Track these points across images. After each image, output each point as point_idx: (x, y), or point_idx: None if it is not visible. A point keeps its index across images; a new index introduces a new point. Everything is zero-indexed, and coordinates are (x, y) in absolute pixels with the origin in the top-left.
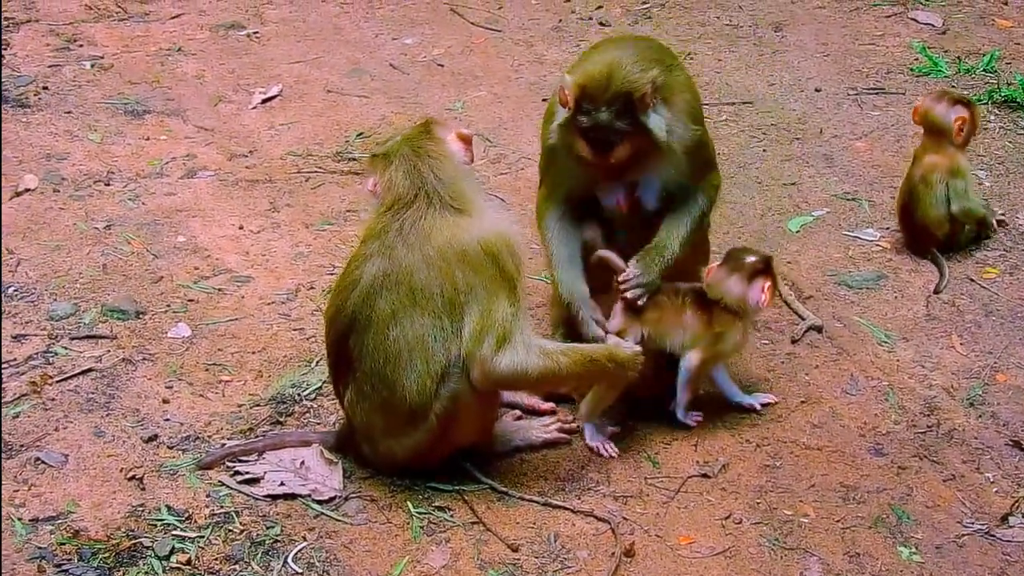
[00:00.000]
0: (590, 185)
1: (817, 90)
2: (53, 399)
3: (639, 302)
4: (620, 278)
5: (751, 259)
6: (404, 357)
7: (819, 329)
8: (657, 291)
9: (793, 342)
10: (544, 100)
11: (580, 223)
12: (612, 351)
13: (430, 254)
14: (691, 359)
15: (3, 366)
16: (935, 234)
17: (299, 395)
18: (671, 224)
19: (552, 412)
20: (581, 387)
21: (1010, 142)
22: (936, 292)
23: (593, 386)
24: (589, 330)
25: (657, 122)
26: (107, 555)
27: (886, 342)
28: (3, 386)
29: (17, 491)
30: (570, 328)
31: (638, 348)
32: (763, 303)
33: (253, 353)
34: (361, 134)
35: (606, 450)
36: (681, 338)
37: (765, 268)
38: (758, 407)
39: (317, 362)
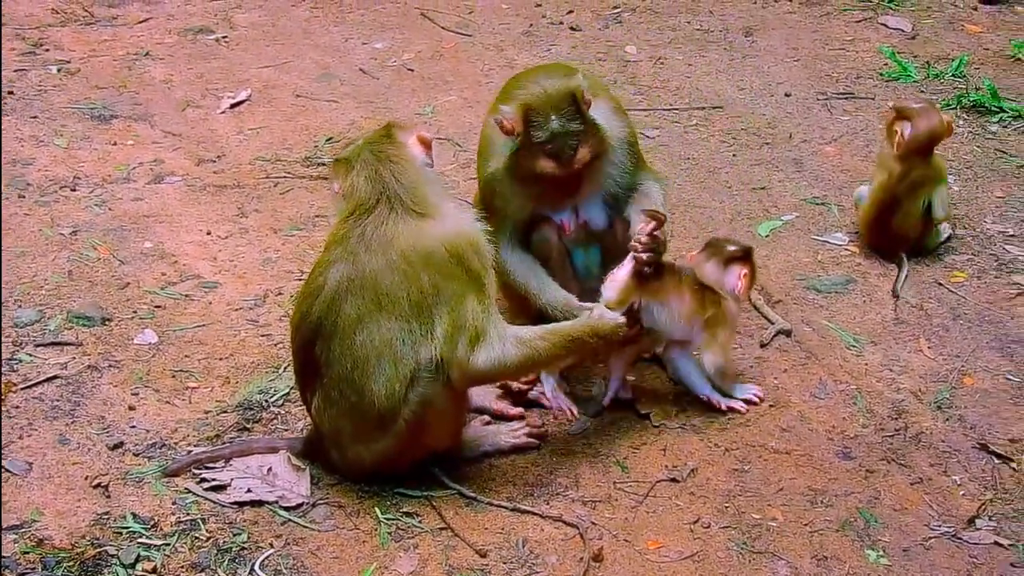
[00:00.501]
0: (536, 212)
1: (787, 95)
2: (17, 407)
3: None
4: (642, 238)
5: (731, 247)
6: (372, 362)
7: (788, 333)
8: (660, 265)
9: (762, 346)
10: None
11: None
12: (594, 325)
13: (394, 258)
14: (713, 358)
15: None
16: (910, 237)
17: (266, 401)
18: (647, 200)
19: (521, 417)
20: (568, 364)
21: (978, 147)
22: (894, 294)
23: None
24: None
25: (600, 117)
26: (72, 564)
27: (854, 346)
28: None
29: None
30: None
31: (621, 317)
32: (739, 290)
33: (220, 359)
34: (330, 139)
35: (564, 409)
36: (676, 312)
37: (743, 256)
38: (723, 407)
39: (284, 368)
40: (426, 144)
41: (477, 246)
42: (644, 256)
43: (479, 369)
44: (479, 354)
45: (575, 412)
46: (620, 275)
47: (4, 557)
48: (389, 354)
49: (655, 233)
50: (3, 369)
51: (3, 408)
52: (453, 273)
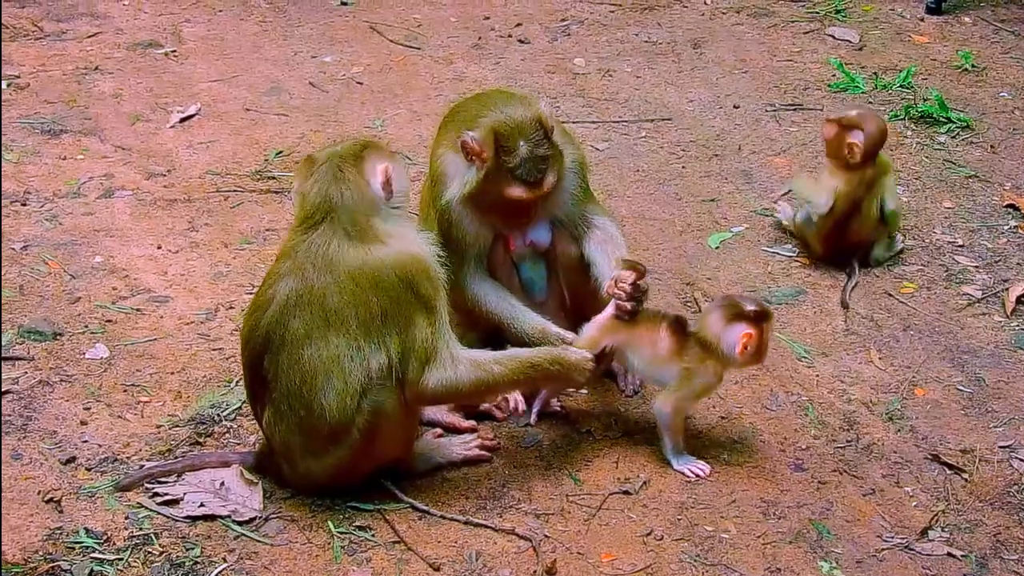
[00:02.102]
0: (492, 240)
1: (736, 107)
2: None
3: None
4: (626, 287)
5: (747, 305)
6: (320, 378)
7: None
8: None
9: None
10: None
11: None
12: (559, 356)
13: (341, 278)
14: (661, 406)
15: None
16: (866, 241)
17: (218, 415)
18: (610, 242)
19: (473, 430)
20: (525, 391)
21: (927, 157)
22: (843, 304)
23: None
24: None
25: (561, 143)
26: None
27: (805, 357)
28: None
29: None
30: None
31: (589, 355)
32: (738, 352)
33: (172, 373)
34: (280, 152)
35: (517, 408)
36: (647, 357)
37: (753, 318)
38: (686, 472)
39: (236, 382)
40: (386, 177)
41: (427, 270)
42: (628, 305)
43: (431, 390)
44: (430, 375)
45: (521, 409)
46: (600, 319)
47: None
48: (337, 370)
49: (638, 283)
50: None
51: None
52: (402, 297)
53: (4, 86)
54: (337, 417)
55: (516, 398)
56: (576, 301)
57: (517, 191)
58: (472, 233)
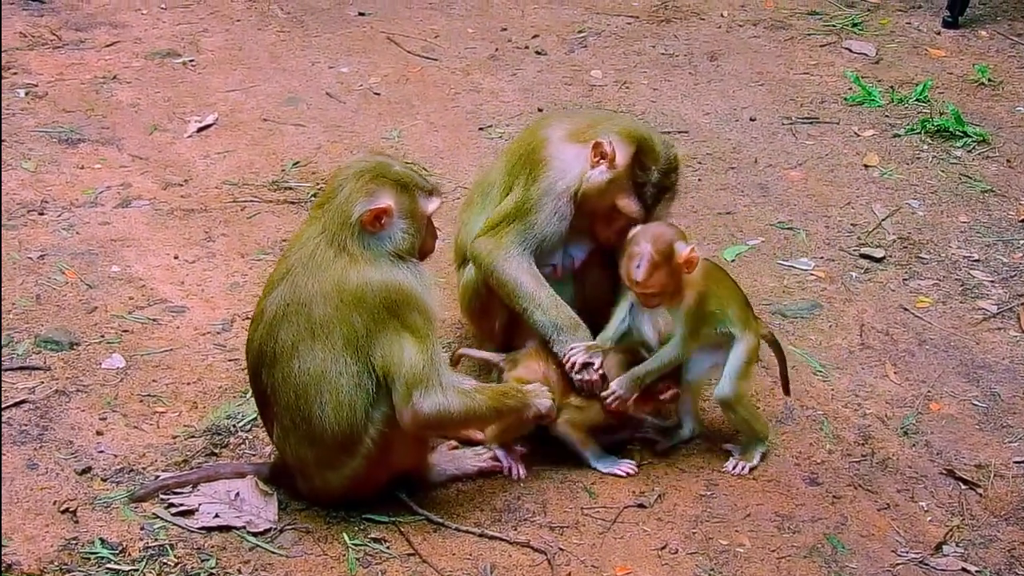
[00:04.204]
0: (564, 242)
1: (752, 119)
2: None
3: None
4: (595, 377)
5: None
6: (311, 390)
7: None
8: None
9: None
10: (481, 129)
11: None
12: (527, 399)
13: (328, 288)
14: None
15: None
16: None
17: (234, 426)
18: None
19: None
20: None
21: (942, 171)
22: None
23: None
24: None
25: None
26: None
27: (821, 371)
28: None
29: None
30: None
31: (553, 406)
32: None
33: (188, 384)
34: (297, 163)
35: (516, 473)
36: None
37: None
38: (616, 471)
39: (252, 393)
40: (379, 215)
41: (414, 301)
42: (613, 408)
43: (424, 416)
44: (424, 401)
45: (522, 473)
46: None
47: None
48: (326, 384)
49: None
50: None
51: None
52: (384, 320)
53: (22, 94)
54: (340, 429)
55: (517, 468)
56: (594, 317)
57: (631, 207)
58: (555, 226)
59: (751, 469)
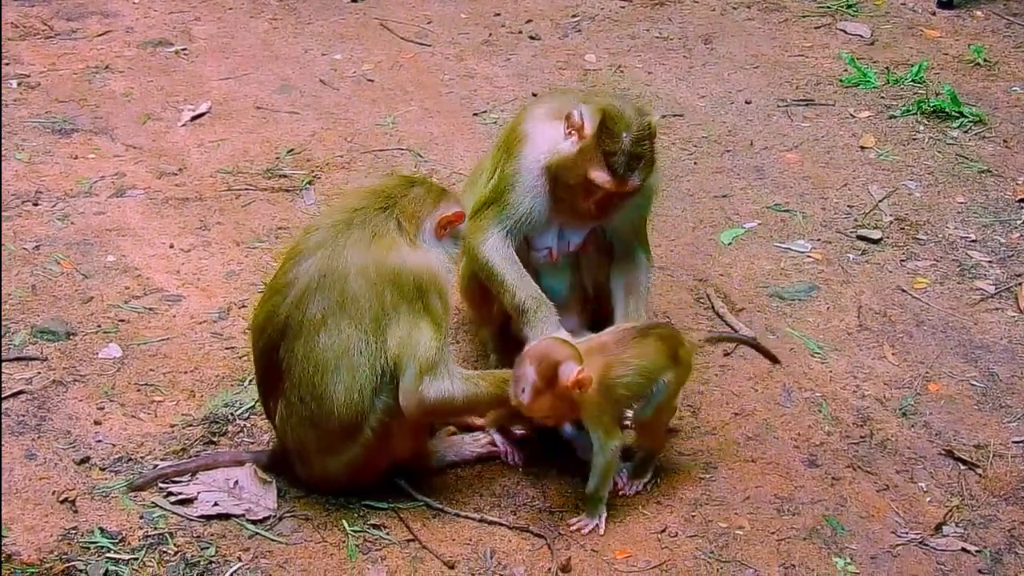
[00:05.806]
0: (546, 224)
1: (747, 102)
2: None
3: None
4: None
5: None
6: (330, 367)
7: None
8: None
9: (726, 355)
10: (475, 114)
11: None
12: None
13: (367, 261)
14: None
15: None
16: None
17: (232, 414)
18: (629, 299)
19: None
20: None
21: (939, 152)
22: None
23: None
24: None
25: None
26: None
27: (818, 353)
28: None
29: None
30: (503, 354)
31: None
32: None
33: (185, 373)
34: (291, 150)
35: (512, 458)
36: None
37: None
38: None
39: (250, 381)
40: (449, 224)
41: (442, 288)
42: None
43: (429, 401)
44: (431, 386)
45: (519, 459)
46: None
47: None
48: (347, 361)
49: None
50: None
51: None
52: (413, 301)
53: (14, 85)
54: (347, 413)
55: (514, 455)
56: (597, 302)
57: (602, 177)
58: (532, 204)
59: (645, 485)
